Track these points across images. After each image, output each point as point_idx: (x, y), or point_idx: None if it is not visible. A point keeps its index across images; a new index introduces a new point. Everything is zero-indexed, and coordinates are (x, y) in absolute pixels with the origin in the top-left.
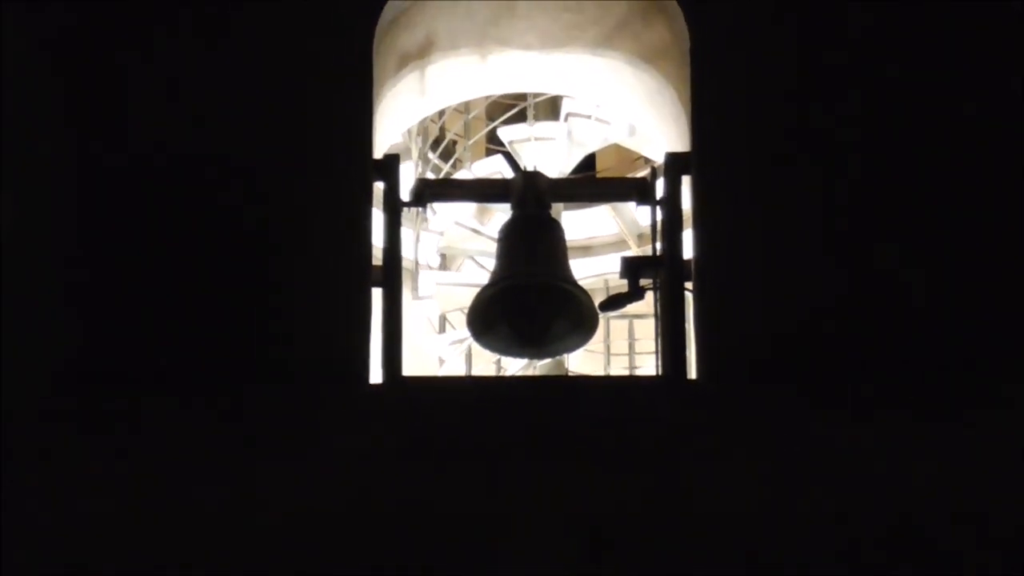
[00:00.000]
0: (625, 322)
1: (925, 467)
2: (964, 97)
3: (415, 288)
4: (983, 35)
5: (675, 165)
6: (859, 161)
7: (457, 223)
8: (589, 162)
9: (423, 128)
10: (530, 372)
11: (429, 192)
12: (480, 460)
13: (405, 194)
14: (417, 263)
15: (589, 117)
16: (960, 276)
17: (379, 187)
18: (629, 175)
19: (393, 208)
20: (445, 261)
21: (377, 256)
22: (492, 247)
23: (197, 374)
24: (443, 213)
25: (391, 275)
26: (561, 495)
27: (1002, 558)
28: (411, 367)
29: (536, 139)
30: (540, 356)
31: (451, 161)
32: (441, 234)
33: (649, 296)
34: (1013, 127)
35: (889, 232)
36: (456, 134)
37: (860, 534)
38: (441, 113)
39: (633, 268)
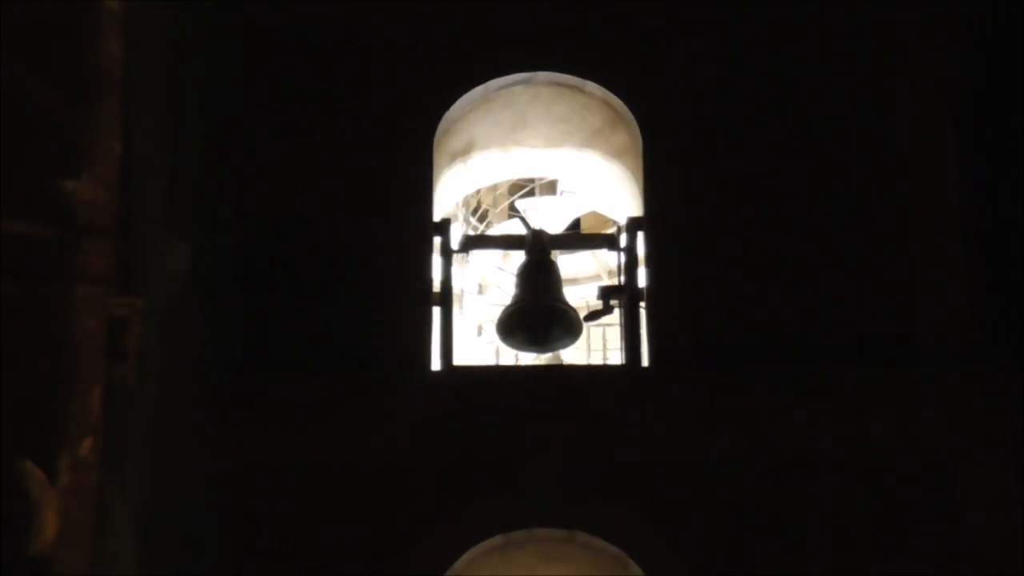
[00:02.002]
0: (600, 329)
1: (800, 423)
2: (848, 170)
3: (461, 307)
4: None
5: (633, 225)
6: (756, 227)
7: (489, 264)
8: (576, 223)
9: (466, 200)
10: (537, 362)
11: (470, 244)
12: (504, 419)
13: (455, 244)
14: (463, 291)
15: (576, 193)
16: (823, 300)
17: (437, 240)
18: (603, 232)
19: (447, 254)
20: (481, 289)
21: (436, 285)
22: (512, 280)
23: (322, 364)
24: (479, 257)
25: (446, 298)
26: (557, 442)
27: (860, 487)
28: (459, 359)
29: (542, 207)
30: (544, 352)
31: (485, 223)
32: (479, 272)
33: (616, 312)
34: (889, 175)
35: (772, 269)
36: (488, 205)
37: (757, 470)
38: (478, 191)
39: (606, 293)
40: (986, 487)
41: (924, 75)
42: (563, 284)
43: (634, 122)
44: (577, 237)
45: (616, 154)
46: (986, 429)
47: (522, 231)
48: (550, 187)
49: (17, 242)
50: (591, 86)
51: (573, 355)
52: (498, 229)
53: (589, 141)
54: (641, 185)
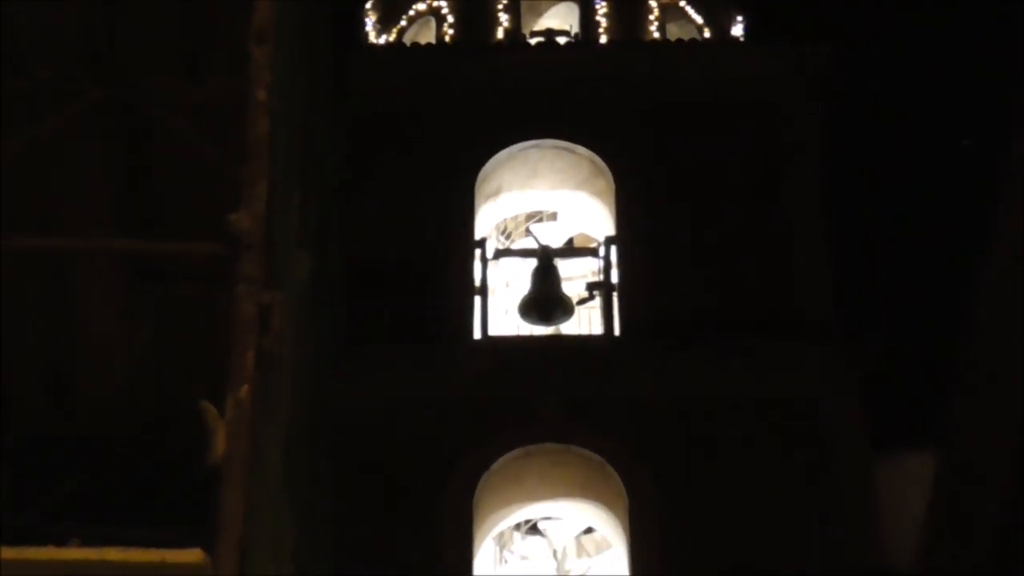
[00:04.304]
0: (587, 311)
1: (720, 375)
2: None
3: (494, 296)
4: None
5: (609, 242)
6: (690, 243)
7: (512, 268)
8: (571, 240)
9: (497, 225)
10: (545, 333)
11: (500, 254)
12: (524, 371)
13: (490, 255)
14: (495, 286)
15: (571, 220)
16: (735, 292)
17: (478, 252)
18: (589, 246)
19: (484, 261)
20: (507, 285)
21: (477, 282)
22: (528, 278)
23: (401, 337)
24: (506, 264)
25: (484, 291)
26: (559, 386)
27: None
28: (493, 331)
29: (547, 230)
30: (549, 326)
31: (509, 240)
32: (506, 273)
33: (597, 300)
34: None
35: (702, 271)
36: (511, 228)
37: (692, 405)
38: (505, 219)
39: (591, 287)
40: (844, 420)
41: (801, 129)
42: (562, 281)
43: (609, 173)
44: (571, 250)
45: (597, 194)
46: (844, 380)
47: (534, 246)
48: (553, 216)
49: (199, 256)
50: (580, 148)
51: (569, 328)
52: (518, 244)
53: (580, 186)
54: (614, 215)
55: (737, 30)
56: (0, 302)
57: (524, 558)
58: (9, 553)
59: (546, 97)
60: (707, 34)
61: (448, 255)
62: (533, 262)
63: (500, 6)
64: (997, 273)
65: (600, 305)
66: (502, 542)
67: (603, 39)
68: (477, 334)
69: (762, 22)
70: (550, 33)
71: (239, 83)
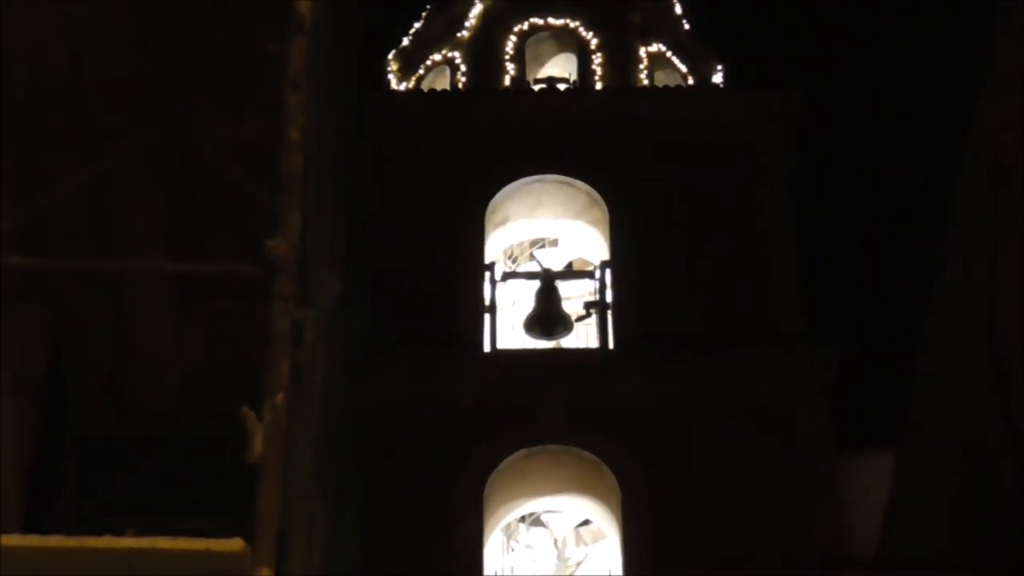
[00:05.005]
0: (584, 327)
1: (705, 382)
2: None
3: (502, 313)
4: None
5: (604, 265)
6: (677, 266)
7: (518, 288)
8: (570, 264)
9: (505, 250)
10: (547, 346)
11: (507, 276)
12: (528, 380)
13: (498, 277)
14: (502, 304)
15: (570, 246)
16: (717, 308)
17: (488, 274)
18: (586, 269)
19: (493, 282)
20: (513, 303)
21: (487, 301)
22: (532, 297)
23: (420, 346)
24: (512, 285)
25: (493, 309)
26: (559, 393)
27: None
28: (501, 344)
29: (549, 254)
30: (551, 340)
31: (515, 264)
32: (512, 292)
33: (594, 317)
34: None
35: (688, 291)
36: (517, 253)
37: (680, 411)
38: (511, 245)
39: (588, 305)
40: (813, 421)
41: (775, 163)
42: (562, 301)
43: (604, 204)
44: (570, 272)
45: (594, 223)
46: (813, 384)
47: (538, 269)
48: (555, 242)
49: (240, 277)
50: (578, 183)
51: (569, 342)
52: (523, 268)
53: (578, 215)
54: (608, 241)
55: (717, 77)
56: (64, 317)
57: (528, 547)
58: (71, 542)
59: (548, 137)
60: (691, 80)
61: (460, 277)
62: (536, 283)
63: (507, 56)
64: (944, 294)
65: (596, 322)
66: (509, 532)
67: (598, 85)
68: (487, 347)
69: (740, 69)
70: (551, 80)
71: (276, 124)
